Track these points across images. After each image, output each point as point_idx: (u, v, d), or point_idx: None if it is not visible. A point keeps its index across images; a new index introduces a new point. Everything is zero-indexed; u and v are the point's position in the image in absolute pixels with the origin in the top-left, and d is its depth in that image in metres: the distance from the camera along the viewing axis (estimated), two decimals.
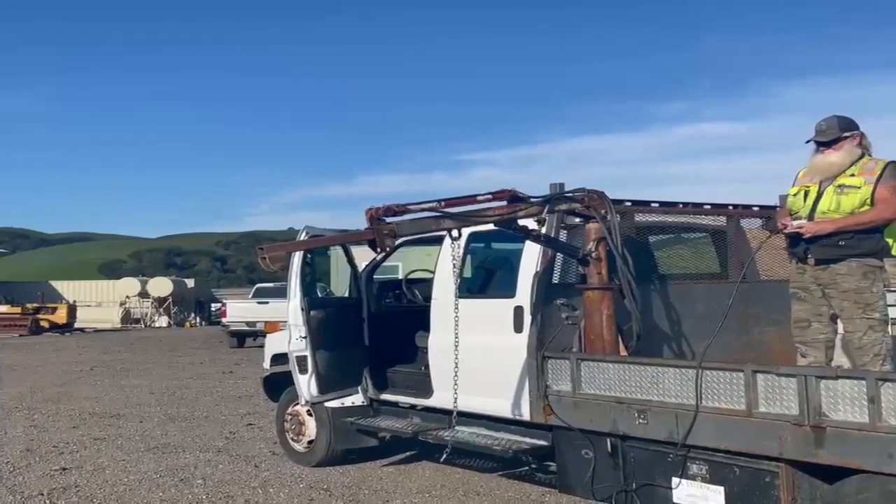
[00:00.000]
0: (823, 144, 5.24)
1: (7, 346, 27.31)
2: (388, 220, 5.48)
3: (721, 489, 4.82)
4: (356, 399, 7.82)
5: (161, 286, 43.60)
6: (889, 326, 5.15)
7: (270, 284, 26.25)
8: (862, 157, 5.19)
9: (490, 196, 5.62)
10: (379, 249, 5.47)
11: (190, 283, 49.07)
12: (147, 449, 9.15)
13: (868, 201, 5.05)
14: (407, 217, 5.57)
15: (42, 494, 7.21)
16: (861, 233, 5.06)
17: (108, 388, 14.96)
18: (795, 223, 5.22)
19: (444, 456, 6.33)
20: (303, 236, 7.19)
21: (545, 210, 5.69)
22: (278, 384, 8.61)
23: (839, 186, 5.13)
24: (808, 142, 5.32)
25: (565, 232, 6.19)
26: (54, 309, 36.51)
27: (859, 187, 5.07)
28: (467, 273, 7.26)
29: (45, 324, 35.00)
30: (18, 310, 35.44)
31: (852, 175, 5.14)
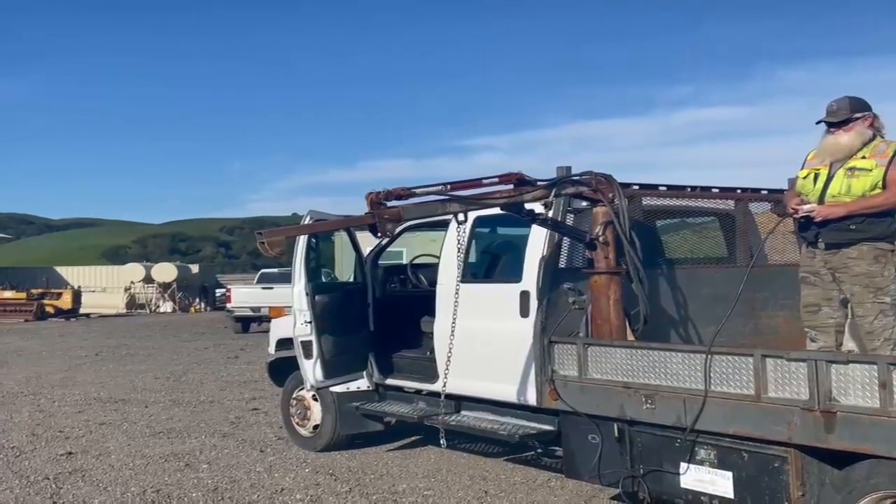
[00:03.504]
0: (834, 125, 5.16)
1: (12, 331, 27.37)
2: (391, 203, 5.43)
3: (729, 474, 4.80)
4: (361, 384, 7.80)
5: (165, 272, 43.56)
6: None
7: (275, 270, 26.23)
8: (874, 138, 5.12)
9: (496, 179, 5.58)
10: (380, 234, 5.40)
11: (194, 268, 49.02)
12: (152, 434, 9.16)
13: (880, 184, 4.98)
14: (413, 201, 5.52)
15: (48, 479, 7.22)
16: (872, 216, 5.00)
17: (113, 373, 14.98)
18: (806, 207, 5.15)
19: (442, 442, 6.32)
20: (307, 221, 7.16)
21: (552, 193, 5.65)
22: (283, 369, 8.60)
23: (850, 169, 5.06)
24: (818, 122, 5.25)
25: (572, 216, 6.15)
26: (59, 294, 36.51)
27: (871, 170, 5.01)
28: (473, 258, 7.22)
29: (49, 309, 35.01)
30: (23, 295, 35.43)
31: (864, 157, 5.07)
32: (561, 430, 5.93)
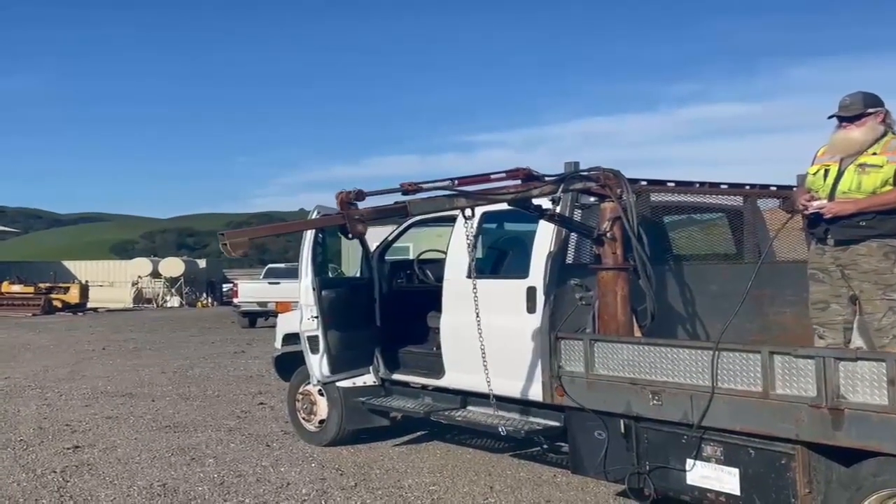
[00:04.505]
0: (846, 120, 5.13)
1: (20, 325, 27.45)
2: (405, 198, 5.39)
3: (736, 471, 4.78)
4: (367, 379, 7.80)
5: (173, 266, 43.64)
6: None
7: (282, 265, 26.30)
8: (885, 135, 5.08)
9: (504, 175, 5.56)
10: (350, 235, 5.22)
11: (201, 263, 49.03)
12: (159, 428, 9.18)
13: (890, 181, 4.95)
14: (420, 196, 5.50)
15: (55, 472, 7.24)
16: (882, 213, 4.97)
17: (120, 367, 15.01)
18: (816, 203, 5.12)
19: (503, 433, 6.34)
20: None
21: (560, 189, 5.63)
22: (290, 364, 8.60)
23: (860, 165, 5.03)
24: (830, 117, 5.22)
25: (580, 211, 6.14)
26: (67, 289, 36.54)
27: (881, 166, 4.97)
28: (480, 253, 7.21)
29: (57, 303, 35.06)
30: (31, 289, 35.50)
31: (874, 153, 5.03)
32: (567, 426, 5.92)
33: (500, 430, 6.35)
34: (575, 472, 5.96)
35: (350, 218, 5.09)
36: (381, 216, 5.48)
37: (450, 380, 7.05)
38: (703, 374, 4.80)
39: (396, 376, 7.73)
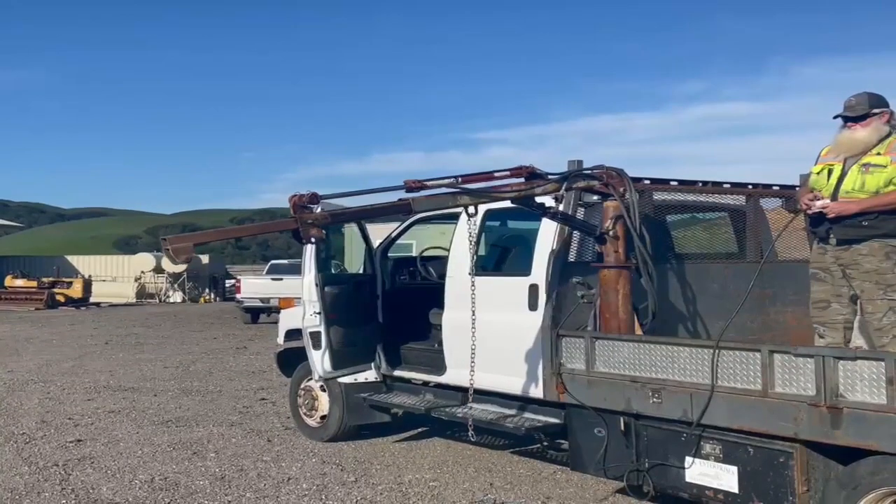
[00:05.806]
0: (851, 120, 5.15)
1: (23, 319, 27.50)
2: (409, 195, 5.39)
3: (734, 469, 4.81)
4: (369, 375, 7.83)
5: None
6: None
7: (285, 261, 26.31)
8: (889, 135, 5.09)
9: (508, 172, 5.58)
10: (304, 240, 5.01)
11: (204, 259, 48.90)
12: (161, 422, 9.21)
13: (894, 181, 4.96)
14: (424, 193, 5.52)
15: (57, 465, 7.27)
16: (885, 213, 4.99)
17: (123, 361, 15.05)
18: (819, 203, 5.14)
19: (471, 433, 6.32)
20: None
21: (563, 187, 5.65)
22: (292, 359, 8.63)
23: (864, 165, 5.05)
24: (835, 117, 5.23)
25: (583, 210, 6.16)
26: (70, 283, 36.56)
27: (885, 166, 4.99)
28: (483, 251, 7.23)
29: (60, 298, 35.08)
30: (34, 284, 35.55)
31: (878, 153, 5.05)
32: (567, 424, 5.95)
33: (507, 424, 6.37)
34: (574, 469, 5.99)
35: (303, 222, 4.88)
36: (337, 220, 5.33)
37: (451, 376, 7.07)
38: (703, 373, 4.82)
39: (398, 373, 7.76)
